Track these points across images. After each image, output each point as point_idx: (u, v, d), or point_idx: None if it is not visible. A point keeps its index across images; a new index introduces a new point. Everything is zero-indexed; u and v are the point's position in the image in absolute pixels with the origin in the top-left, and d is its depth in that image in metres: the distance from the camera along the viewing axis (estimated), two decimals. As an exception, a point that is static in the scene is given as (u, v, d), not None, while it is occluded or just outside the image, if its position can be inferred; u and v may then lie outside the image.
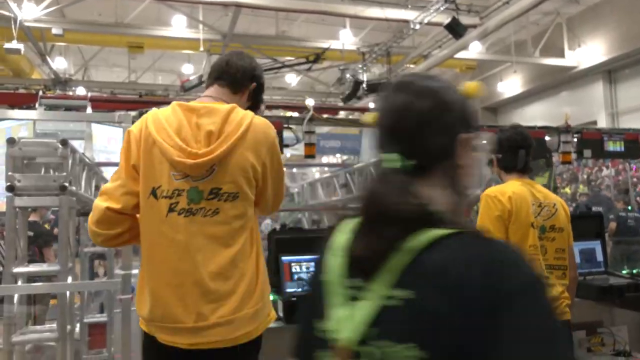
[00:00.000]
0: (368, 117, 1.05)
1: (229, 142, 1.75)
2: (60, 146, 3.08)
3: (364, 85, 16.76)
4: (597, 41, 21.74)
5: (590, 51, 22.04)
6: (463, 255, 0.80)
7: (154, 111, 1.85)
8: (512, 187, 2.48)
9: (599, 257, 3.80)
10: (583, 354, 3.48)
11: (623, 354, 3.46)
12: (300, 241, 3.28)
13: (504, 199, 2.40)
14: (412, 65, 21.97)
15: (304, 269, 3.13)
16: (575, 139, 4.09)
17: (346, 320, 0.84)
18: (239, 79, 1.97)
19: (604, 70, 22.63)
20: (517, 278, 0.78)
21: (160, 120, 1.80)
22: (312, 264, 3.14)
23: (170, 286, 1.73)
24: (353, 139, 10.30)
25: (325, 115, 3.78)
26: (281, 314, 2.91)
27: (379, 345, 0.79)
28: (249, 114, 1.86)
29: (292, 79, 22.23)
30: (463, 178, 0.94)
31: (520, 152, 2.52)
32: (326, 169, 10.74)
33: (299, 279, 3.09)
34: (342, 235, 0.95)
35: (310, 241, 3.31)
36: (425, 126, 0.91)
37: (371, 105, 16.11)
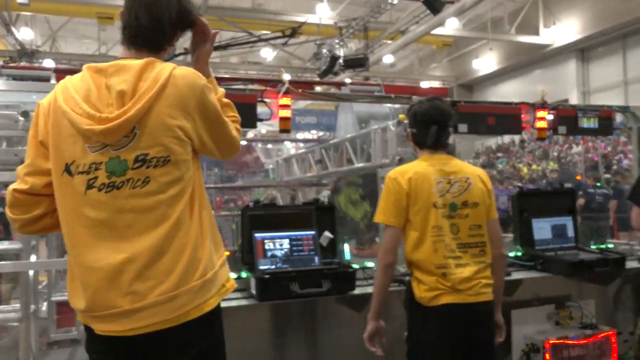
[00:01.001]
0: None
1: (143, 100, 1.53)
2: (21, 118, 2.94)
3: (341, 60, 16.57)
4: (572, 19, 21.90)
5: (565, 29, 22.20)
6: None
7: (64, 80, 1.63)
8: (415, 167, 2.38)
9: (570, 232, 3.85)
10: (551, 327, 3.55)
11: (590, 327, 3.54)
12: (274, 217, 3.23)
13: (403, 180, 2.31)
14: (389, 41, 21.82)
15: (278, 246, 3.08)
16: (551, 116, 4.12)
17: None
18: (159, 37, 1.69)
19: (577, 48, 22.89)
20: None
21: (68, 88, 1.59)
22: (287, 240, 3.11)
23: (98, 271, 1.54)
24: (329, 115, 10.24)
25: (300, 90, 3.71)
26: (254, 292, 2.87)
27: None
28: (168, 66, 1.62)
29: (268, 53, 21.88)
30: None
31: (433, 128, 2.38)
32: (301, 145, 10.66)
33: (273, 255, 3.04)
34: None
35: (285, 218, 3.27)
36: None
37: (347, 80, 15.98)
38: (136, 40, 1.68)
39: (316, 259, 3.11)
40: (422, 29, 18.62)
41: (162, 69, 1.60)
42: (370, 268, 3.38)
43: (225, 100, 1.84)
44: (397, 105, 5.52)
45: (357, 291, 3.07)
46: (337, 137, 7.46)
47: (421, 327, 2.32)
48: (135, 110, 1.52)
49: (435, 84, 29.63)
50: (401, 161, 3.96)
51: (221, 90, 1.85)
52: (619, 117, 4.72)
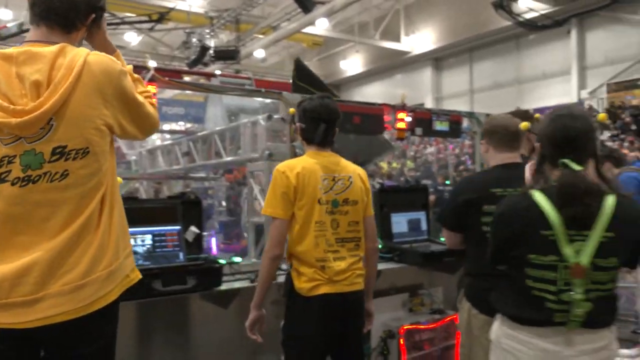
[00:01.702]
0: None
1: (60, 90, 1.48)
2: None
3: (211, 51, 16.17)
4: (429, 30, 23.82)
5: (422, 39, 24.07)
6: (631, 208, 1.76)
7: None
8: (303, 162, 2.41)
9: (424, 226, 4.18)
10: (406, 314, 3.83)
11: (438, 312, 3.88)
12: (136, 212, 3.02)
13: (291, 175, 2.34)
14: (261, 36, 21.78)
15: (139, 242, 2.90)
16: (410, 118, 4.43)
17: (578, 251, 1.70)
18: (72, 14, 1.61)
19: (432, 57, 24.99)
20: None
21: None
22: (149, 236, 2.94)
23: (9, 265, 1.48)
24: (197, 107, 9.93)
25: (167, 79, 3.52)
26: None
27: (594, 261, 1.69)
28: (82, 51, 1.56)
29: (132, 37, 20.56)
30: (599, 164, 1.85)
31: (322, 125, 2.42)
32: (167, 136, 10.18)
33: (133, 252, 2.86)
34: (545, 203, 1.74)
35: (148, 212, 3.09)
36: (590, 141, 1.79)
37: (217, 72, 15.64)
38: (47, 15, 1.59)
39: (181, 255, 2.99)
40: (293, 26, 18.89)
41: (75, 54, 1.54)
42: (237, 263, 3.34)
43: (136, 75, 1.78)
44: (268, 100, 5.54)
45: (223, 287, 3.01)
46: (205, 130, 7.25)
47: (299, 316, 2.39)
48: (53, 102, 1.46)
49: (305, 81, 30.20)
50: (270, 156, 3.98)
51: (129, 66, 1.77)
52: (466, 122, 5.24)
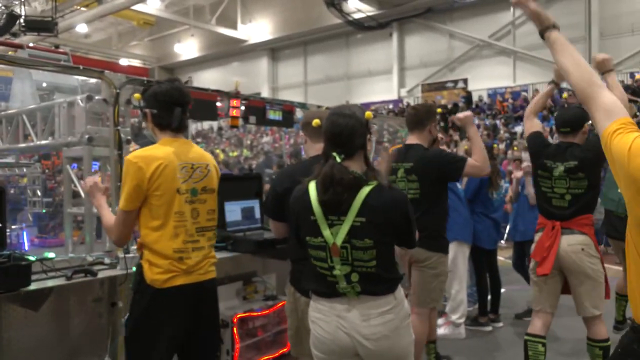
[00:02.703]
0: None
1: None
2: None
3: (22, 20, 14.18)
4: (266, 20, 24.06)
5: (259, 28, 24.23)
6: (382, 197, 1.93)
7: None
8: (159, 151, 2.28)
9: (257, 214, 4.21)
10: (240, 303, 3.83)
11: (271, 298, 3.96)
12: None
13: (146, 166, 2.21)
14: (83, 8, 19.78)
15: None
16: (243, 107, 4.41)
17: (335, 234, 1.94)
18: None
19: (269, 48, 25.34)
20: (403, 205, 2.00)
21: None
22: None
23: None
24: (2, 82, 8.59)
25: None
26: None
27: (351, 242, 1.93)
28: None
29: None
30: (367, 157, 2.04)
31: (177, 109, 2.32)
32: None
33: None
34: (313, 193, 1.99)
35: None
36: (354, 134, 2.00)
37: (31, 44, 13.81)
38: None
39: (-23, 253, 2.57)
40: (121, 2, 17.51)
41: None
42: (50, 259, 2.99)
43: None
44: (92, 80, 5.00)
45: (33, 286, 2.67)
46: (11, 108, 6.29)
47: (149, 309, 2.25)
48: None
49: (136, 62, 28.38)
50: (91, 141, 3.62)
51: None
52: (300, 113, 5.39)
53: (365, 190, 1.92)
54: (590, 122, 3.02)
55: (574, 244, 3.13)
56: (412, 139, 3.42)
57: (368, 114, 2.08)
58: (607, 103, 1.44)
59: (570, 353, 4.16)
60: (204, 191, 2.38)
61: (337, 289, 1.97)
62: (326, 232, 1.94)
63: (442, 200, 3.35)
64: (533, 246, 3.32)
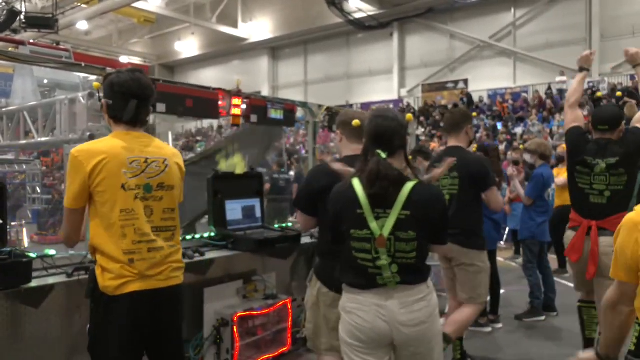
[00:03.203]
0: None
1: None
2: None
3: (22, 17, 14.16)
4: (266, 19, 24.03)
5: (259, 27, 24.21)
6: (424, 193, 2.10)
7: None
8: (106, 144, 2.16)
9: (258, 213, 4.21)
10: (240, 301, 3.83)
11: (271, 297, 3.95)
12: None
13: (86, 160, 2.08)
14: (83, 5, 19.76)
15: None
16: (245, 105, 4.39)
17: (381, 226, 2.07)
18: None
19: (269, 46, 25.31)
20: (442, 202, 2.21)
21: None
22: None
23: None
24: (4, 79, 8.57)
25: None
26: None
27: (396, 234, 2.06)
28: None
29: None
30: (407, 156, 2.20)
31: (132, 102, 2.17)
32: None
33: None
34: (359, 188, 2.12)
35: None
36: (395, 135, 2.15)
37: (31, 41, 13.79)
38: None
39: (-22, 249, 2.56)
40: (122, -1, 17.49)
41: None
42: (51, 256, 2.98)
43: None
44: (92, 77, 5.00)
45: (34, 284, 2.67)
46: (12, 105, 6.28)
47: (104, 318, 2.12)
48: None
49: (136, 60, 28.35)
50: (92, 138, 3.62)
51: None
52: (301, 112, 5.39)
53: (409, 185, 2.09)
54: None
55: (605, 245, 3.17)
56: (451, 142, 3.68)
57: (409, 116, 2.33)
58: None
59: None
60: (160, 188, 2.22)
61: (376, 281, 2.09)
62: (373, 225, 2.08)
63: (477, 201, 3.54)
64: (566, 243, 3.43)
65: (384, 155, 2.10)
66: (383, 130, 2.14)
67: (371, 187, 2.07)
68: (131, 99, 2.18)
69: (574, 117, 3.50)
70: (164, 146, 2.34)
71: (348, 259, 2.16)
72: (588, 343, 3.51)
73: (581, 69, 3.58)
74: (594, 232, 3.22)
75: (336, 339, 2.38)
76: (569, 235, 3.40)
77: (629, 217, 1.69)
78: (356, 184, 2.13)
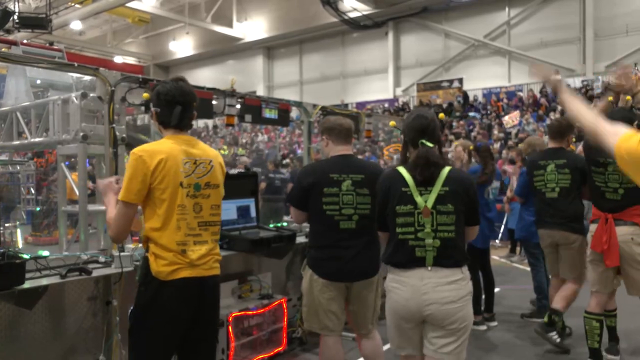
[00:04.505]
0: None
1: None
2: None
3: (16, 17, 14.08)
4: (261, 18, 23.99)
5: (254, 26, 24.16)
6: (459, 174, 2.57)
7: None
8: (163, 146, 2.39)
9: (253, 213, 4.21)
10: (235, 301, 3.83)
11: (266, 297, 3.96)
12: None
13: (149, 159, 2.30)
14: (77, 5, 19.67)
15: None
16: (239, 105, 4.38)
17: (426, 200, 2.45)
18: None
19: (264, 46, 25.27)
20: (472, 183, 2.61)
21: None
22: None
23: None
24: (-3, 79, 8.52)
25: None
26: None
27: (437, 208, 2.45)
28: None
29: None
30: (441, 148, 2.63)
31: (177, 108, 2.41)
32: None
33: None
34: (404, 171, 2.51)
35: None
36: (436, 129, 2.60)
37: (25, 41, 13.72)
38: None
39: (-29, 251, 2.55)
40: (116, -1, 17.42)
41: None
42: (44, 257, 2.97)
43: None
44: (87, 78, 4.95)
45: (27, 285, 2.66)
46: (6, 106, 6.24)
47: (153, 301, 2.30)
48: None
49: (131, 60, 28.27)
50: (85, 138, 3.60)
51: None
52: (296, 112, 5.37)
53: (447, 169, 2.50)
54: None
55: (624, 234, 3.54)
56: (553, 144, 4.40)
57: (441, 115, 2.86)
58: (609, 127, 1.82)
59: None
60: (207, 186, 2.45)
61: (415, 254, 2.41)
62: (418, 199, 2.45)
63: (580, 193, 4.19)
64: (589, 236, 3.73)
65: (430, 144, 2.50)
66: (427, 124, 2.55)
67: (418, 169, 2.44)
68: (175, 105, 2.41)
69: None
70: (207, 148, 2.57)
71: (393, 238, 2.49)
72: (592, 353, 3.76)
73: (608, 88, 3.83)
74: (610, 222, 3.54)
75: (328, 319, 3.01)
76: (592, 228, 3.71)
77: None
78: (401, 169, 2.51)
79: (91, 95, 3.63)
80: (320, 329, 3.07)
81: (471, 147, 4.92)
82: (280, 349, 3.95)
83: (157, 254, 2.32)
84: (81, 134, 3.62)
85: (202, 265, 2.38)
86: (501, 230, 9.39)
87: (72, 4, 18.21)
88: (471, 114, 17.30)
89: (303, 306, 3.15)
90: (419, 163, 2.46)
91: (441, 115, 2.64)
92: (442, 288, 2.37)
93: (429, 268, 2.39)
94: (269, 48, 25.44)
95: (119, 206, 2.32)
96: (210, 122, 23.04)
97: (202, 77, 25.42)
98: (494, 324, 4.93)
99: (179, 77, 2.57)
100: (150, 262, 2.33)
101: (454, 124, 16.69)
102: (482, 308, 4.91)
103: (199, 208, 2.41)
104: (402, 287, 2.42)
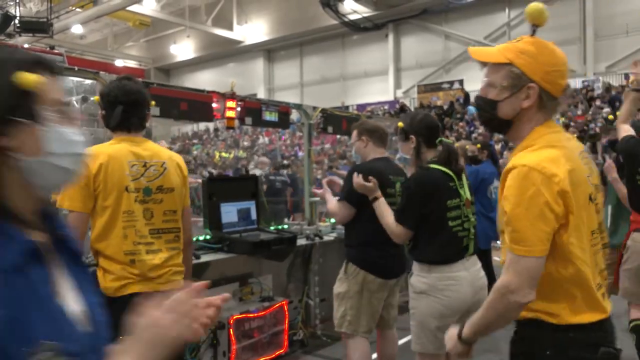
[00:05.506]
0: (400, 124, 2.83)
1: None
2: None
3: (17, 21, 14.14)
4: (261, 21, 24.03)
5: (255, 29, 24.21)
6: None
7: None
8: (107, 148, 2.22)
9: (253, 215, 4.21)
10: (236, 304, 3.83)
11: (267, 299, 3.96)
12: None
13: (91, 163, 2.11)
14: (78, 9, 19.74)
15: None
16: (239, 108, 4.39)
17: (464, 192, 2.62)
18: None
19: (264, 49, 25.30)
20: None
21: None
22: None
23: None
24: (-2, 83, 8.54)
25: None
26: None
27: (469, 198, 2.69)
28: None
29: None
30: None
31: (118, 107, 2.22)
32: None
33: None
34: (442, 168, 2.57)
35: None
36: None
37: (26, 45, 13.78)
38: None
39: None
40: (117, 2, 17.48)
41: None
42: None
43: None
44: (87, 81, 4.95)
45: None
46: None
47: None
48: None
49: (132, 63, 28.32)
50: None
51: None
52: (297, 114, 5.38)
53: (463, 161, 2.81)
54: None
55: None
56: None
57: (400, 123, 2.92)
58: None
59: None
60: (159, 190, 2.26)
61: (463, 244, 2.54)
62: (462, 191, 2.60)
63: None
64: (631, 245, 3.46)
65: (449, 141, 2.73)
66: (436, 125, 2.77)
67: (453, 163, 2.59)
68: (117, 105, 2.23)
69: (623, 132, 3.60)
70: (161, 150, 2.39)
71: (444, 232, 2.53)
72: None
73: (635, 90, 3.55)
74: None
75: (374, 321, 3.03)
76: (635, 237, 3.45)
77: None
78: (436, 166, 2.58)
79: (91, 99, 3.65)
80: (365, 331, 3.01)
81: (478, 146, 5.01)
82: (281, 351, 3.95)
83: (105, 268, 2.15)
84: (82, 137, 3.63)
85: (157, 278, 2.18)
86: (502, 231, 9.38)
87: (73, 8, 18.27)
88: (470, 107, 17.27)
89: (347, 309, 3.00)
90: (452, 158, 2.59)
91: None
92: (481, 274, 2.59)
93: (468, 258, 2.53)
94: (269, 51, 25.48)
95: (67, 217, 2.14)
96: (211, 125, 23.08)
97: (203, 80, 25.47)
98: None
99: (125, 75, 2.41)
100: (99, 277, 2.15)
101: (454, 126, 16.70)
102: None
103: (149, 214, 2.22)
104: (456, 281, 2.47)
